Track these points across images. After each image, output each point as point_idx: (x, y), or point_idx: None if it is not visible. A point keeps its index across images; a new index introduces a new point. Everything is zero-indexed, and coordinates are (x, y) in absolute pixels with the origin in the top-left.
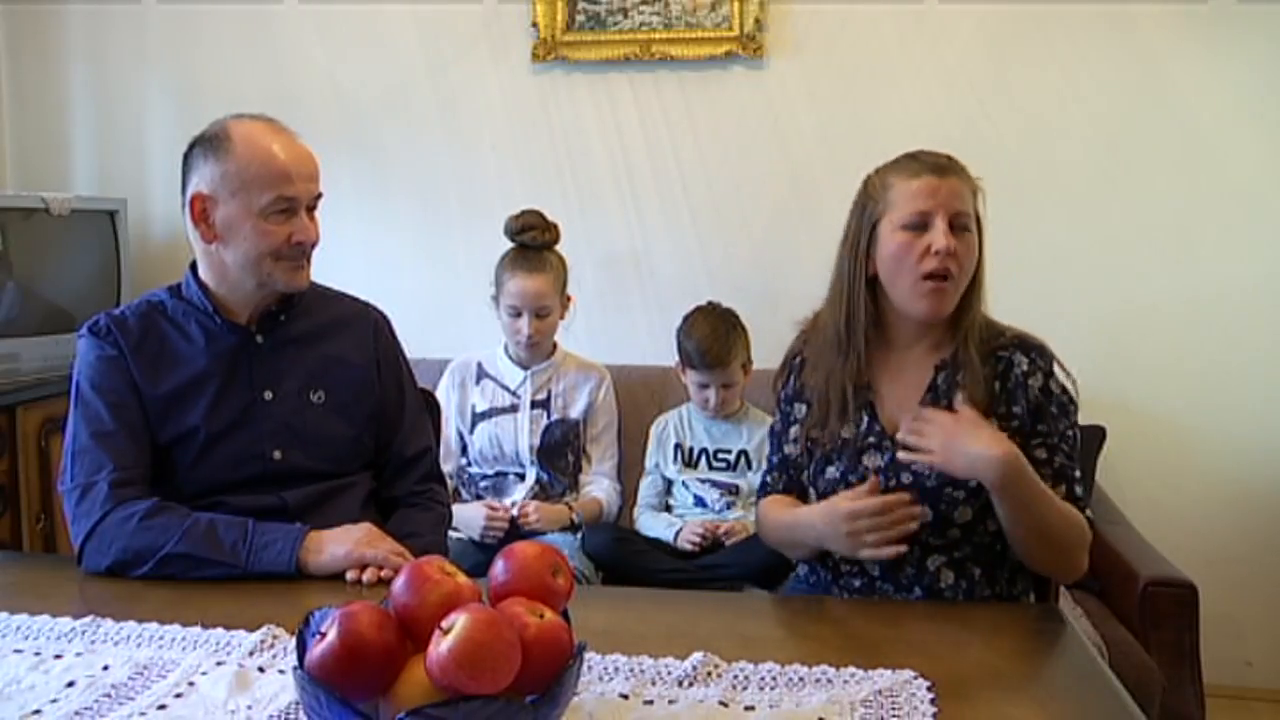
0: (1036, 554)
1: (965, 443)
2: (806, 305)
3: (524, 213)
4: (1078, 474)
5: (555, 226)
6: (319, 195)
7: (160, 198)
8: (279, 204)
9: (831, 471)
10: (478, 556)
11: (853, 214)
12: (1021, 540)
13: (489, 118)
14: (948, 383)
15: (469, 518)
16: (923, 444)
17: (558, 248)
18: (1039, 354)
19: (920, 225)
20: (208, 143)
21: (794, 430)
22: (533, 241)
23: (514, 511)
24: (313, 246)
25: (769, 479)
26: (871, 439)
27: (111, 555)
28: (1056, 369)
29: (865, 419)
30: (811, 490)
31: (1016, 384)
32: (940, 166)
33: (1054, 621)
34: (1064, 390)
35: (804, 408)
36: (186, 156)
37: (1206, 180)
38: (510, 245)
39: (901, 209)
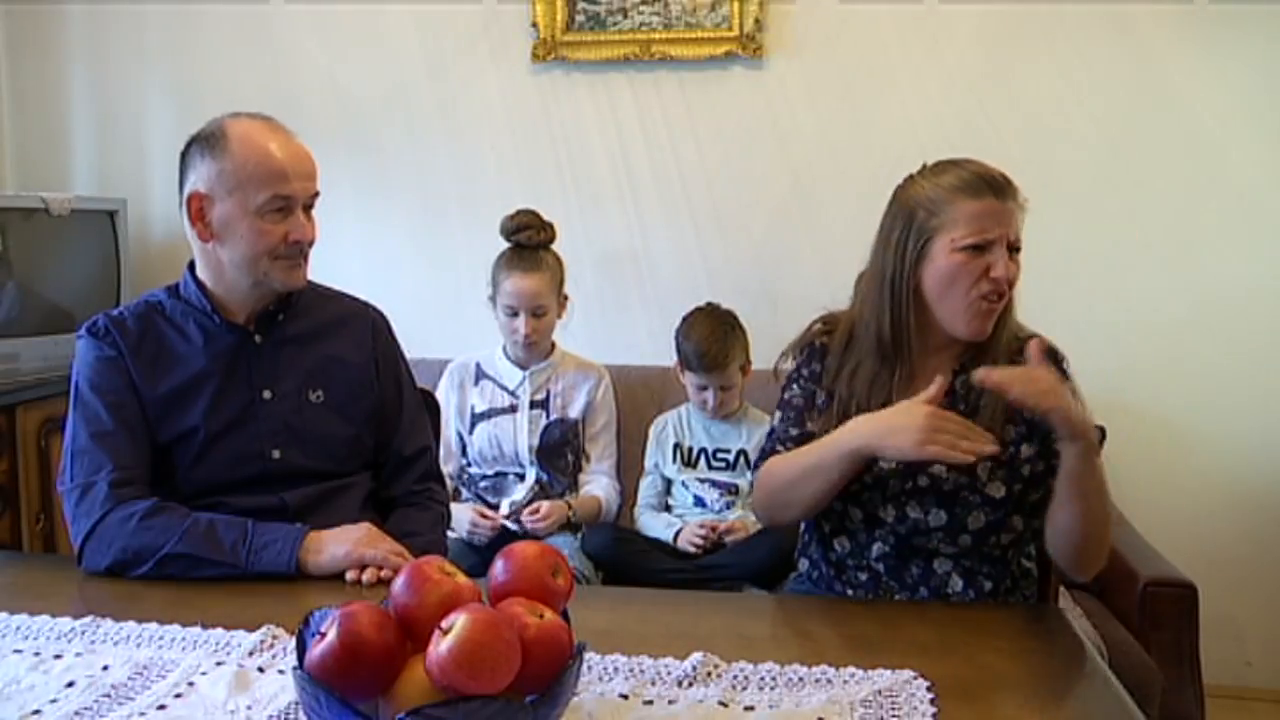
0: (1083, 546)
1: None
2: (806, 305)
3: (519, 212)
4: None
5: (551, 226)
6: (316, 194)
7: (160, 198)
8: (275, 203)
9: None
10: (477, 556)
11: (895, 219)
12: (1076, 531)
13: (489, 118)
14: (965, 387)
15: (459, 519)
16: (1027, 383)
17: (554, 247)
18: (1052, 358)
19: (980, 248)
20: (204, 141)
21: (818, 414)
22: (528, 241)
23: (524, 518)
24: (310, 245)
25: (779, 448)
26: None
27: (111, 555)
28: (1070, 376)
29: None
30: None
31: None
32: (1001, 189)
33: (1054, 621)
34: (1074, 392)
35: (825, 396)
36: (184, 155)
37: (1206, 181)
38: (506, 245)
39: (963, 230)
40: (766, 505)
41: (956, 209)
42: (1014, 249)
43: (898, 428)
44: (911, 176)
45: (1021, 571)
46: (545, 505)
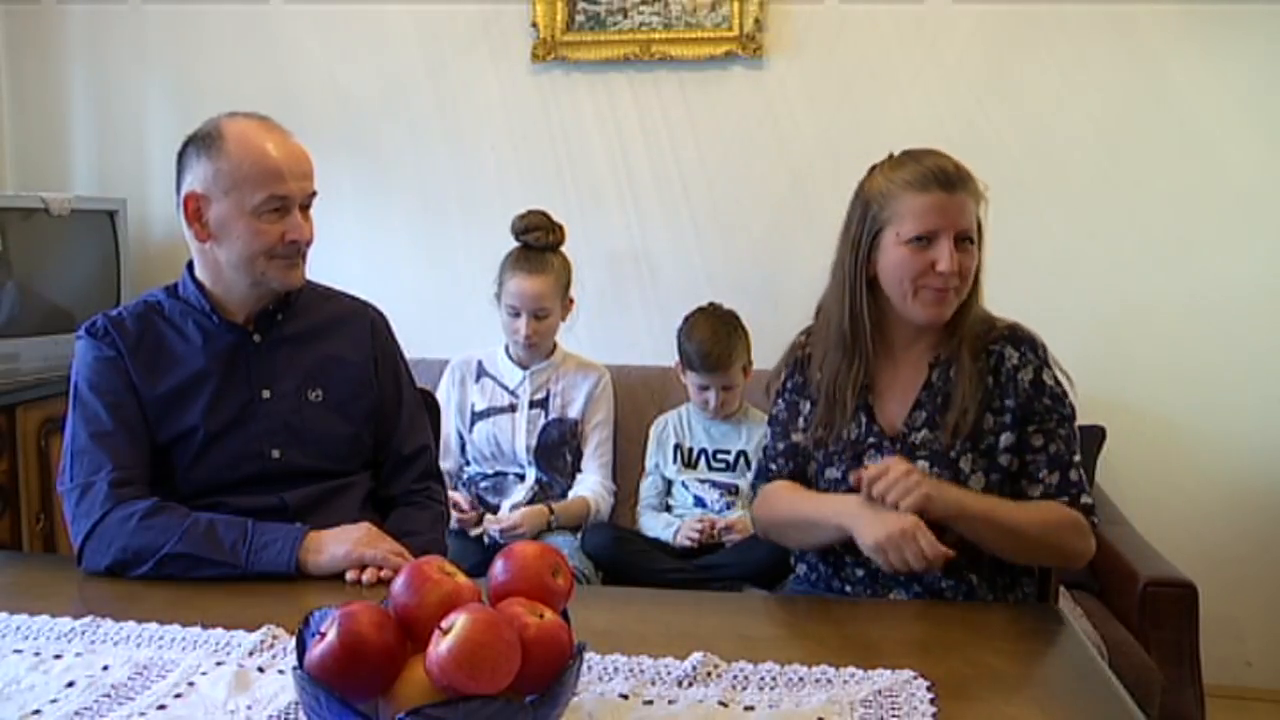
0: (1024, 557)
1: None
2: (807, 305)
3: (530, 212)
4: (1076, 459)
5: (560, 228)
6: (313, 194)
7: (160, 198)
8: (272, 203)
9: (832, 472)
10: (477, 556)
11: (854, 210)
12: (1003, 551)
13: (489, 118)
14: (942, 379)
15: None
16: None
17: (562, 249)
18: (1029, 347)
19: (925, 241)
20: (201, 141)
21: (802, 421)
22: (536, 242)
23: (495, 530)
24: (307, 245)
25: (773, 466)
26: (871, 439)
27: (111, 555)
28: (1051, 363)
29: (865, 420)
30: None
31: (1008, 378)
32: (949, 181)
33: (1054, 621)
34: (1057, 382)
35: (808, 404)
36: (180, 155)
37: (1206, 180)
38: (516, 244)
39: (907, 224)
40: (765, 529)
41: (903, 203)
42: (965, 239)
43: (873, 522)
44: (874, 168)
45: (1022, 568)
46: (517, 514)
